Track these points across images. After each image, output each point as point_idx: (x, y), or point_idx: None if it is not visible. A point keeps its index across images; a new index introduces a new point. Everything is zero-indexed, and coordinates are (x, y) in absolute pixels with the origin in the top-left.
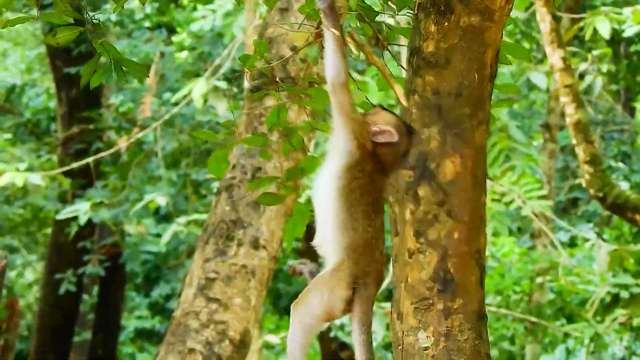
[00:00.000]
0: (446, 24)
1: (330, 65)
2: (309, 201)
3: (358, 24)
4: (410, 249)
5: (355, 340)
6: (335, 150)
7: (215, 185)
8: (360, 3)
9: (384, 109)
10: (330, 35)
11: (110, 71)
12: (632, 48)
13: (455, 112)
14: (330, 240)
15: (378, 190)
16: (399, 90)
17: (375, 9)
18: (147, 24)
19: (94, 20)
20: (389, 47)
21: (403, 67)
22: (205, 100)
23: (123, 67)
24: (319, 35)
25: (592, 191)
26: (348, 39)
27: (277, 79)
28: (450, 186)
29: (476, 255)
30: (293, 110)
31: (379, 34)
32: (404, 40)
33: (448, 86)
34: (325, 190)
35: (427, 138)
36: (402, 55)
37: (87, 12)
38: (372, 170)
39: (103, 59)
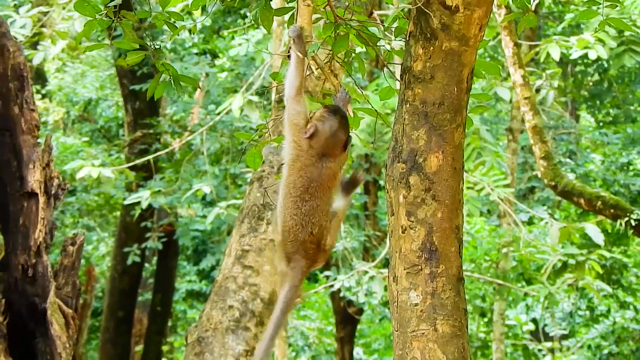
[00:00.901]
0: (431, 47)
1: (287, 82)
2: None
3: (315, 51)
4: (403, 225)
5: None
6: (283, 152)
7: (249, 177)
8: (366, 31)
9: (326, 106)
10: (294, 57)
11: (170, 85)
12: (577, 68)
13: (439, 117)
14: (276, 221)
15: (313, 179)
16: (335, 82)
17: (377, 36)
18: (195, 50)
19: (155, 46)
20: (388, 66)
21: (398, 81)
22: (241, 111)
23: (180, 82)
24: (288, 57)
25: (546, 181)
26: (311, 61)
27: None
28: (435, 176)
29: (455, 230)
30: None
31: (381, 56)
32: (397, 60)
33: (433, 97)
34: (279, 186)
35: (416, 138)
36: (396, 72)
37: (150, 40)
38: (306, 163)
39: (163, 76)
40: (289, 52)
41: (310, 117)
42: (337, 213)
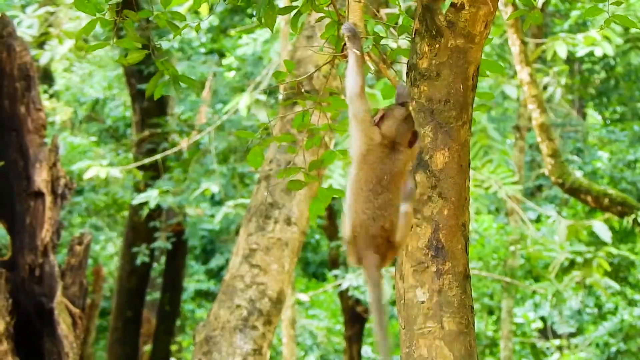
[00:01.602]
0: (437, 45)
1: (349, 80)
2: (329, 187)
3: (369, 46)
4: None
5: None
6: (352, 149)
7: (257, 176)
8: (371, 30)
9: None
10: (352, 56)
11: (170, 85)
12: (584, 66)
13: (445, 114)
14: (345, 219)
15: (387, 171)
16: (392, 78)
17: (381, 35)
18: (202, 50)
19: (156, 45)
20: (392, 65)
21: (403, 80)
22: (249, 110)
23: (180, 82)
24: (345, 56)
25: (553, 178)
26: (367, 58)
27: (304, 91)
28: (441, 173)
29: (462, 227)
30: (316, 115)
31: (384, 55)
32: (403, 59)
33: (439, 94)
34: (347, 182)
35: (422, 135)
36: (402, 70)
37: (152, 39)
38: (378, 156)
39: (166, 76)
40: (343, 50)
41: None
42: (407, 209)
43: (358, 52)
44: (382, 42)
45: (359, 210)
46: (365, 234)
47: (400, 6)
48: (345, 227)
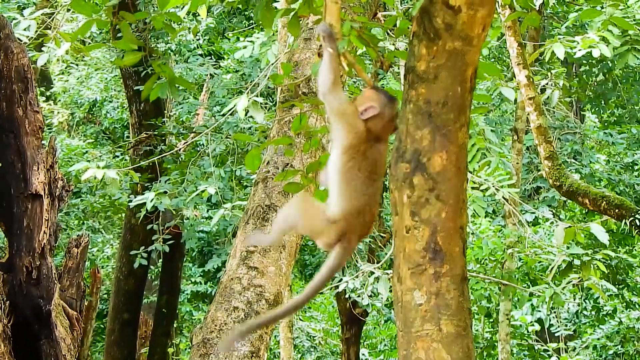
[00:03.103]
0: (435, 47)
1: (321, 77)
2: (326, 189)
3: (364, 48)
4: (407, 225)
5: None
6: (335, 140)
7: (254, 178)
8: (367, 32)
9: (372, 87)
10: (327, 53)
11: (166, 87)
12: (582, 68)
13: (442, 117)
14: (334, 203)
15: (375, 160)
16: (367, 79)
17: (379, 37)
18: (199, 52)
19: (154, 47)
20: (392, 67)
21: (401, 82)
22: (246, 112)
23: (176, 84)
24: (320, 55)
25: (551, 181)
26: (342, 58)
27: (302, 93)
28: (439, 176)
29: (460, 230)
30: (313, 118)
31: (382, 57)
32: (401, 62)
33: (437, 97)
34: (331, 170)
35: (420, 138)
36: (400, 73)
37: (148, 42)
38: (367, 146)
39: (163, 78)
40: (319, 50)
41: (353, 101)
42: None
43: (332, 51)
44: (380, 44)
45: (355, 196)
46: (360, 219)
47: (398, 8)
48: (333, 208)
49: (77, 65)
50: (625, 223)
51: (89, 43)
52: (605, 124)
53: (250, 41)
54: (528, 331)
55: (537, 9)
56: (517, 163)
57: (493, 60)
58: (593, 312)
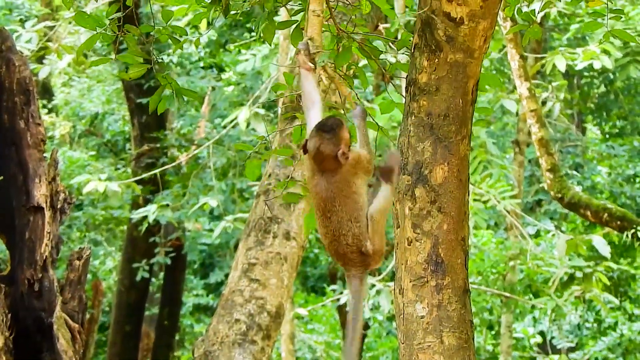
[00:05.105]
0: (436, 60)
1: (302, 98)
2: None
3: (324, 60)
4: (409, 237)
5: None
6: None
7: (256, 190)
8: (368, 44)
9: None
10: (301, 72)
11: (173, 99)
12: (583, 80)
13: (444, 129)
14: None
15: (328, 195)
16: (347, 93)
17: (380, 49)
18: (201, 64)
19: (159, 60)
20: (393, 79)
21: (402, 95)
22: (248, 124)
23: (182, 96)
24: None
25: (552, 193)
26: (321, 71)
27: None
28: (440, 188)
29: (461, 242)
30: None
31: (383, 69)
32: (403, 74)
33: (438, 109)
34: None
35: (421, 150)
36: (402, 85)
37: (153, 54)
38: (315, 181)
39: (167, 90)
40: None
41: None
42: (372, 214)
43: (304, 68)
44: (381, 56)
45: (322, 234)
46: (335, 254)
47: (398, 19)
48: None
49: (78, 77)
50: (627, 235)
51: (90, 55)
52: (607, 136)
53: (252, 54)
54: (530, 343)
55: (539, 21)
56: (519, 175)
57: (494, 72)
58: (595, 324)
